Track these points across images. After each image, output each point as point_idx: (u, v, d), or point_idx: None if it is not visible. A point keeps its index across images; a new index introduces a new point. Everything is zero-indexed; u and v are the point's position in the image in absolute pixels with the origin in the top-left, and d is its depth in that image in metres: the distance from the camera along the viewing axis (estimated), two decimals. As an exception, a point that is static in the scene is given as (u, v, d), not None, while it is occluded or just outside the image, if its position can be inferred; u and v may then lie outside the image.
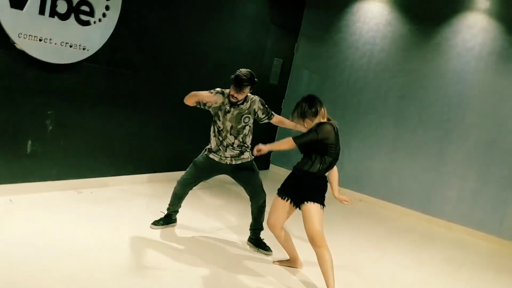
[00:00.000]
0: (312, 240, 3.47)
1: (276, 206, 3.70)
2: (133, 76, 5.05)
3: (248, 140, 4.09)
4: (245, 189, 4.18)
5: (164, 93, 5.43)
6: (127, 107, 5.07)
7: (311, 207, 3.48)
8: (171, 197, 4.25)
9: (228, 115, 3.93)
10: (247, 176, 4.12)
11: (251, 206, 4.17)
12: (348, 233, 5.33)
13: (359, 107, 7.04)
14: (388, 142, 6.82)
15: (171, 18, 5.28)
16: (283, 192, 3.69)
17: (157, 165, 5.65)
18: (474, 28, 6.23)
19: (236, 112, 3.93)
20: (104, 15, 4.47)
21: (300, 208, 3.60)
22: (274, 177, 7.14)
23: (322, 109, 3.56)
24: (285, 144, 3.52)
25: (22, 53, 3.99)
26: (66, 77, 4.41)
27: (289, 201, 3.66)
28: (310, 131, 3.51)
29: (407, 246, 5.30)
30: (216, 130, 4.01)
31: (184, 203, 4.32)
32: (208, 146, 4.10)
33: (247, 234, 4.31)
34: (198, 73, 5.75)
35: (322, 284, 3.55)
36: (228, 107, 3.92)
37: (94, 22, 4.41)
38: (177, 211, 4.34)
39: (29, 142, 4.30)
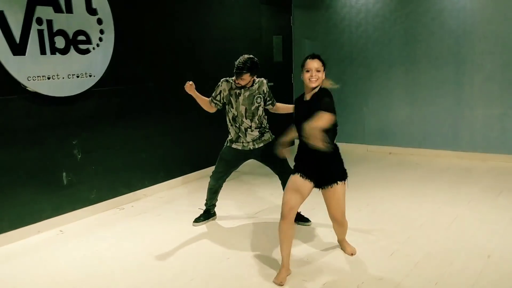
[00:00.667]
0: (337, 220, 3.48)
1: (298, 187, 3.29)
2: (142, 89, 5.26)
3: (264, 121, 4.22)
4: (273, 168, 4.32)
5: (175, 97, 5.60)
6: (143, 119, 5.28)
7: (341, 188, 3.32)
8: (207, 192, 4.45)
9: (240, 98, 4.07)
10: (272, 155, 4.24)
11: (282, 184, 4.32)
12: (382, 184, 5.44)
13: (367, 63, 7.05)
14: (403, 90, 6.84)
15: (162, 23, 5.44)
16: (305, 173, 3.31)
17: (186, 166, 5.87)
18: (462, -45, 6.16)
19: (247, 93, 4.07)
20: (100, 39, 4.66)
21: (322, 189, 3.37)
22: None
23: None
24: (325, 120, 2.98)
25: (36, 94, 4.23)
26: (80, 105, 4.64)
27: (312, 184, 3.33)
28: (328, 97, 3.17)
29: (443, 185, 5.38)
30: (231, 118, 4.16)
31: (220, 196, 4.51)
32: (229, 138, 4.26)
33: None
34: (202, 69, 5.89)
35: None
36: (238, 91, 4.08)
37: (93, 48, 4.61)
38: (214, 205, 4.54)
39: (64, 174, 4.56)
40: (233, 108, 4.11)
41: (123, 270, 3.56)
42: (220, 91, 4.12)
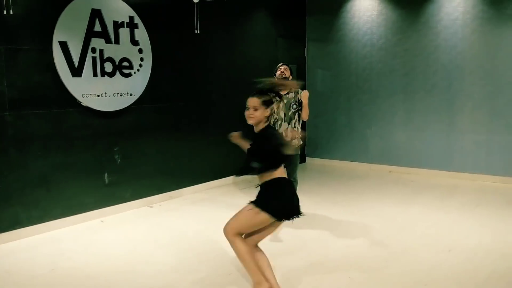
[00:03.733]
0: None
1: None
2: (173, 107, 6.25)
3: (298, 127, 5.14)
4: (287, 166, 5.16)
5: (202, 114, 6.59)
6: (173, 132, 6.26)
7: (248, 209, 3.21)
8: None
9: (281, 104, 4.95)
10: (294, 157, 5.09)
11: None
12: (377, 196, 6.24)
13: (371, 90, 7.93)
14: (403, 115, 7.67)
15: (192, 53, 6.46)
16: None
17: (209, 175, 6.79)
18: (454, 1, 7.02)
19: (285, 100, 5.00)
20: (140, 65, 5.68)
21: None
22: (311, 167, 8.18)
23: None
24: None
25: (88, 108, 5.24)
26: (122, 119, 5.64)
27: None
28: (263, 138, 3.46)
29: (430, 198, 6.15)
30: (272, 122, 5.05)
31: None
32: None
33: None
34: (224, 92, 6.88)
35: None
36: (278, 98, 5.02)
37: (134, 73, 5.63)
38: None
39: (106, 175, 5.53)
40: (274, 113, 5.01)
41: (150, 251, 4.48)
42: None
